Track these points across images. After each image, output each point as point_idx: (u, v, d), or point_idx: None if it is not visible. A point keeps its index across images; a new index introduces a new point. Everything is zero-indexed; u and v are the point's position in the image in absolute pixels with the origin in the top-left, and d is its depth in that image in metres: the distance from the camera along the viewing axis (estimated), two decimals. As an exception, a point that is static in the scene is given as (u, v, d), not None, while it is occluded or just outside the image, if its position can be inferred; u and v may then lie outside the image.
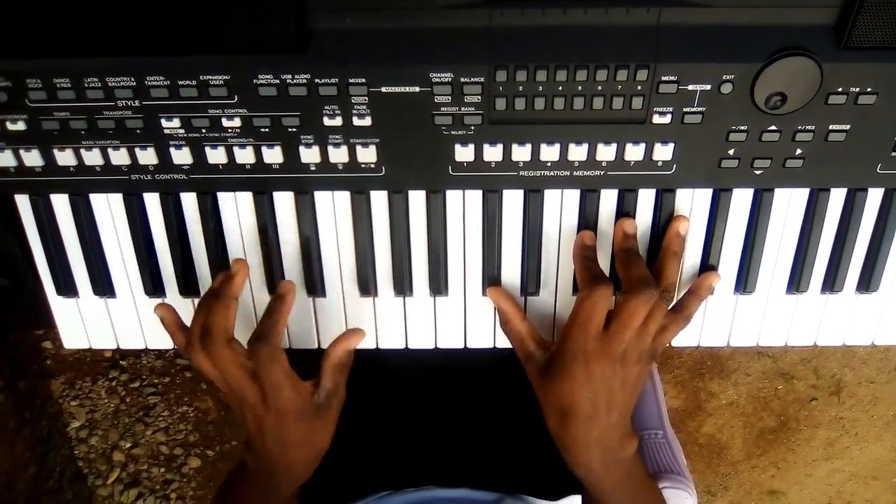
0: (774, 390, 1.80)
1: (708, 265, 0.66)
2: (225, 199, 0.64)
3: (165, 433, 1.78)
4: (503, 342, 0.69)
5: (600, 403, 0.59)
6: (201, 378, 1.75)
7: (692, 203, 0.64)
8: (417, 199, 0.64)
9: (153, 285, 0.67)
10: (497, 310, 0.66)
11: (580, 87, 0.56)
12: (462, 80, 0.56)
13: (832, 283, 0.67)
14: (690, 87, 0.56)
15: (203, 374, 0.63)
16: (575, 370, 0.59)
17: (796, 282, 0.67)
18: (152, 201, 0.64)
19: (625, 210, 0.63)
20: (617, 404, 0.60)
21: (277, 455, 0.62)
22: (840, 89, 0.56)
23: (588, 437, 0.60)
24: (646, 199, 0.63)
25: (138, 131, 0.59)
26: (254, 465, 0.64)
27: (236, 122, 0.58)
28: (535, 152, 0.60)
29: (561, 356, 0.60)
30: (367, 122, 0.58)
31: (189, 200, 0.64)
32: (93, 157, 0.60)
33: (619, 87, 0.56)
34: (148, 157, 0.60)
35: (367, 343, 0.70)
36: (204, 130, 0.59)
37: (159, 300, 0.68)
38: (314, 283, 0.67)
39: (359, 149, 0.59)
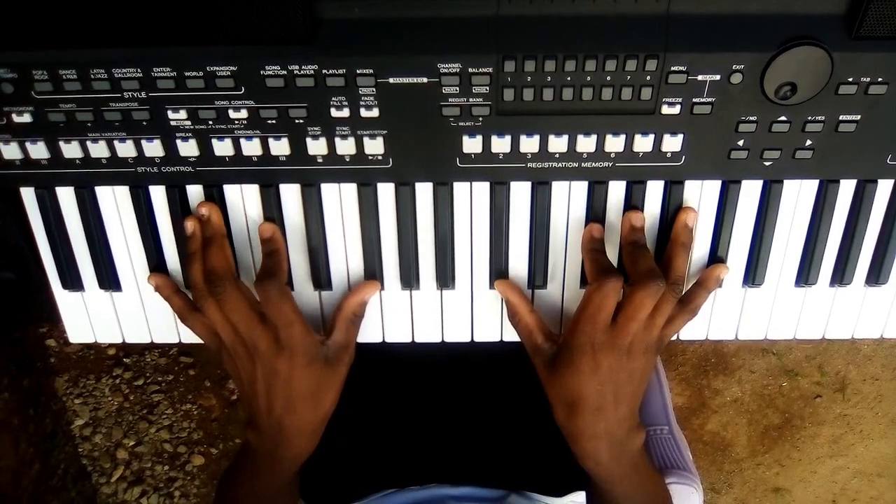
0: (779, 387, 1.80)
1: (716, 257, 0.66)
2: (231, 191, 0.64)
3: (169, 431, 1.78)
4: (510, 335, 0.69)
5: (608, 395, 0.59)
6: (205, 376, 1.75)
7: (701, 195, 0.63)
8: (424, 192, 0.63)
9: (159, 279, 0.67)
10: (505, 302, 0.66)
11: (589, 78, 0.56)
12: (470, 70, 0.56)
13: (841, 275, 0.67)
14: (700, 78, 0.56)
15: (208, 331, 0.63)
16: (582, 362, 0.58)
17: (805, 274, 0.66)
18: (158, 194, 0.64)
19: (633, 202, 0.63)
20: (624, 396, 0.60)
21: (284, 416, 0.61)
22: (851, 79, 0.56)
23: (596, 430, 0.60)
24: (654, 191, 0.63)
25: (144, 123, 0.59)
26: (257, 442, 0.63)
27: (243, 114, 0.58)
28: (544, 144, 0.59)
29: (568, 348, 0.60)
30: (375, 113, 0.58)
31: (195, 193, 0.64)
32: (99, 150, 0.60)
33: (629, 77, 0.56)
34: (154, 149, 0.60)
35: (373, 336, 0.70)
36: (210, 122, 0.58)
37: (165, 294, 0.68)
38: (320, 277, 0.66)
39: (366, 140, 0.59)
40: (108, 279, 0.67)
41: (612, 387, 0.59)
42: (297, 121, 0.58)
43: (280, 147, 0.59)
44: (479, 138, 0.59)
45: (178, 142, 0.59)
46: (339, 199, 0.64)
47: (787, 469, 1.87)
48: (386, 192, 0.63)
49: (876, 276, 0.67)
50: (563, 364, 0.60)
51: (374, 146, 0.59)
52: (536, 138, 0.59)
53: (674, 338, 0.66)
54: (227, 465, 0.68)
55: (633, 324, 0.58)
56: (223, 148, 0.60)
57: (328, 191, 0.63)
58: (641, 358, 0.60)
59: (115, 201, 0.64)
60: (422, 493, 0.78)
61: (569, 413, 0.60)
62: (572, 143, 0.59)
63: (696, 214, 0.63)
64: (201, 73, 0.56)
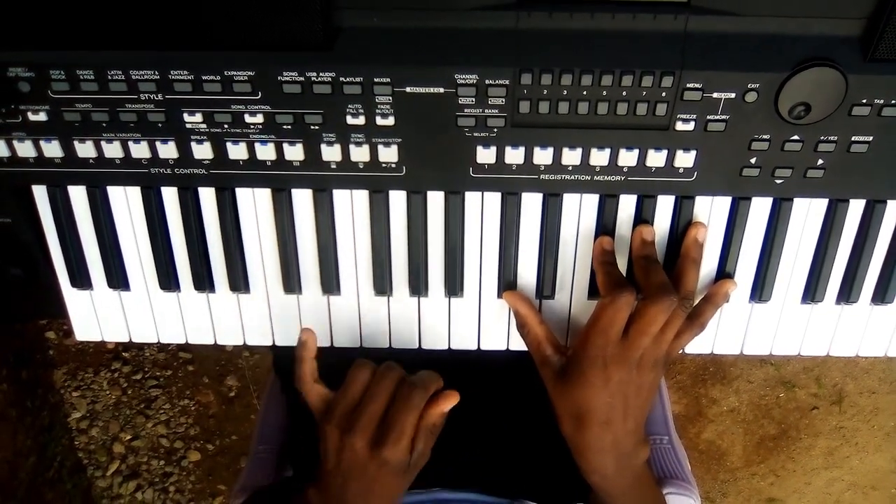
0: (776, 398, 1.80)
1: (724, 273, 0.66)
2: (243, 195, 0.64)
3: (166, 426, 1.78)
4: (517, 344, 0.69)
5: (616, 408, 0.59)
6: (203, 372, 1.75)
7: (711, 210, 0.64)
8: (436, 200, 0.64)
9: (168, 280, 0.67)
10: (514, 313, 0.66)
11: (605, 92, 0.56)
12: (487, 82, 0.56)
13: (848, 293, 0.67)
14: (715, 95, 0.56)
15: (322, 401, 0.62)
16: (593, 375, 0.59)
17: (812, 292, 0.67)
18: (170, 195, 0.64)
19: (643, 216, 0.63)
20: (632, 410, 0.60)
21: (354, 502, 0.60)
22: (864, 101, 0.56)
23: (603, 443, 0.60)
24: (664, 206, 0.63)
25: (160, 125, 0.59)
26: (317, 502, 0.61)
27: (259, 119, 0.58)
28: (557, 156, 0.60)
29: (578, 361, 0.60)
30: (390, 121, 0.58)
31: (207, 195, 0.64)
32: (113, 150, 0.60)
33: (644, 93, 0.56)
34: (168, 150, 0.60)
35: (380, 342, 0.70)
36: (226, 126, 0.59)
37: (173, 294, 0.68)
38: (329, 281, 0.66)
39: (380, 148, 0.59)
40: (118, 278, 0.67)
41: (621, 400, 0.59)
42: (312, 127, 0.58)
43: (294, 152, 0.60)
44: (493, 149, 0.59)
45: (193, 144, 0.60)
46: (351, 205, 0.64)
47: (781, 479, 1.88)
48: (398, 200, 0.64)
49: (882, 295, 0.67)
50: (573, 376, 0.60)
51: (389, 154, 0.60)
52: (550, 151, 0.59)
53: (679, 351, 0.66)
54: (259, 494, 0.67)
55: (644, 338, 0.59)
56: (237, 152, 0.60)
57: (340, 197, 0.64)
58: (650, 372, 0.60)
59: (126, 201, 0.65)
60: (425, 496, 0.78)
61: (577, 426, 0.60)
62: (586, 156, 0.59)
63: (706, 230, 0.64)
64: (218, 78, 0.56)
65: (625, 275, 0.65)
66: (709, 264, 0.66)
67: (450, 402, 0.62)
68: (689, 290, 0.61)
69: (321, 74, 0.56)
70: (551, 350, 0.63)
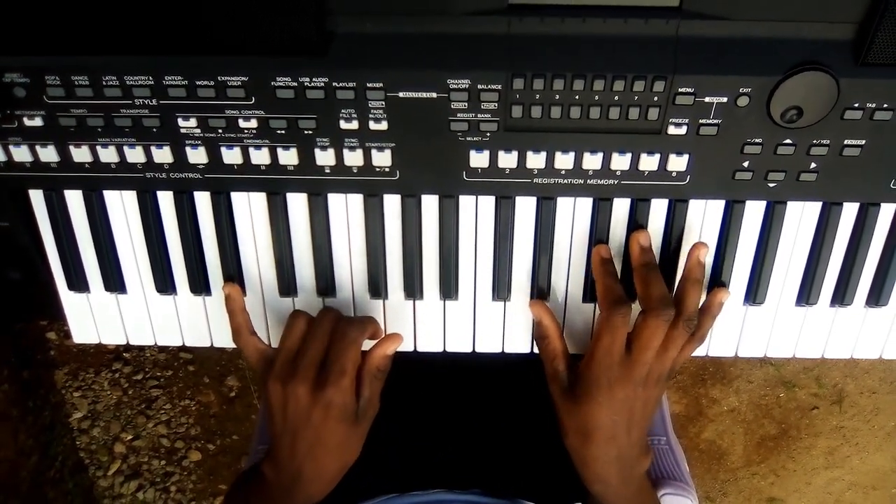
0: (776, 398, 1.80)
1: (718, 277, 0.66)
2: (238, 199, 0.64)
3: (167, 426, 1.79)
4: (511, 348, 0.69)
5: (622, 424, 0.60)
6: (204, 372, 1.76)
7: (704, 214, 0.64)
8: (430, 204, 0.64)
9: (164, 283, 0.67)
10: (537, 324, 0.66)
11: (597, 97, 0.56)
12: (479, 86, 0.56)
13: (842, 296, 0.67)
14: (707, 100, 0.56)
15: (260, 355, 0.63)
16: (599, 394, 0.59)
17: (806, 294, 0.67)
18: (166, 199, 0.65)
19: (637, 220, 0.64)
20: (637, 423, 0.60)
21: (305, 462, 0.60)
22: (856, 105, 0.56)
23: (608, 456, 0.60)
24: (658, 210, 0.64)
25: (154, 130, 0.59)
26: (273, 477, 0.62)
27: (253, 124, 0.58)
28: (550, 160, 0.60)
29: (586, 380, 0.60)
30: (384, 126, 0.58)
31: (203, 199, 0.64)
32: (108, 155, 0.60)
33: (636, 97, 0.56)
34: (163, 155, 0.60)
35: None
36: (220, 131, 0.59)
37: (169, 297, 0.69)
38: (325, 285, 0.67)
39: (374, 152, 0.60)
40: (114, 281, 0.68)
41: (626, 416, 0.60)
42: (306, 131, 0.59)
43: (288, 157, 0.60)
44: (486, 153, 0.59)
45: (188, 149, 0.60)
46: (346, 209, 0.64)
47: (781, 479, 1.88)
48: (392, 204, 0.64)
49: (876, 297, 0.67)
50: (581, 395, 0.60)
51: (382, 158, 0.60)
52: (543, 155, 0.59)
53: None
54: (235, 483, 0.68)
55: (647, 352, 0.59)
56: (232, 156, 0.60)
57: (335, 201, 0.64)
58: (655, 387, 0.61)
59: (122, 205, 0.65)
60: (424, 498, 0.79)
61: (583, 441, 0.61)
62: (578, 160, 0.60)
63: (708, 249, 0.63)
64: (212, 83, 0.57)
65: (619, 274, 0.65)
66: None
67: (392, 343, 0.63)
68: (692, 311, 0.61)
69: (314, 80, 0.56)
70: (564, 366, 0.63)
